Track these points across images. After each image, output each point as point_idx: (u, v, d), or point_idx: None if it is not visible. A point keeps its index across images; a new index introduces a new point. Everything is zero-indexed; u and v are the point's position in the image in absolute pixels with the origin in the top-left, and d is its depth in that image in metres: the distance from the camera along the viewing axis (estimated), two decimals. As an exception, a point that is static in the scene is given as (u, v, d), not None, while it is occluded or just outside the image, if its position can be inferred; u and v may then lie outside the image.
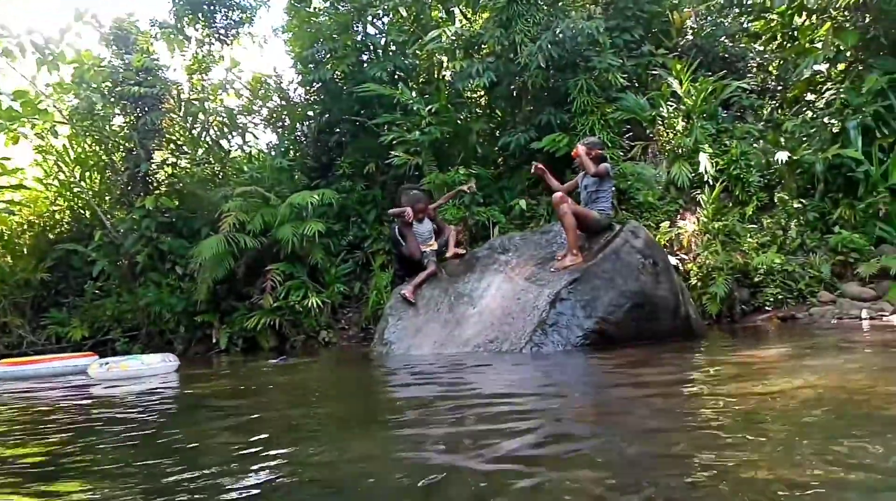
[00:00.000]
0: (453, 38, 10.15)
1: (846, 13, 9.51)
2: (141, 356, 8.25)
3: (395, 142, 9.85)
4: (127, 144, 11.61)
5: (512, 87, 10.13)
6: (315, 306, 9.31)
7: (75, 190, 12.37)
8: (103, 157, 12.07)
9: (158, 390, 5.72)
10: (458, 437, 2.71)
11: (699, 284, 7.57)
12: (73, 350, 9.85)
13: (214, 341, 10.09)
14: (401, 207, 7.62)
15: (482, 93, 11.53)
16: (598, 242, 6.49)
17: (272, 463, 2.50)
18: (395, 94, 9.85)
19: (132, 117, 11.55)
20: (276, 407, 4.18)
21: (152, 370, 6.98)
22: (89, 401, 5.36)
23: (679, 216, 8.47)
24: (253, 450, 2.70)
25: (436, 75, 11.95)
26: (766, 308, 7.36)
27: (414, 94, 10.21)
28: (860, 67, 9.21)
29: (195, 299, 10.09)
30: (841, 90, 8.94)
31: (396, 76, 10.73)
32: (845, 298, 7.07)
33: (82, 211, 12.55)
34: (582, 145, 6.56)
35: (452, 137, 10.17)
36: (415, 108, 9.76)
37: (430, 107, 9.79)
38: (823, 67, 10.11)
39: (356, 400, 4.36)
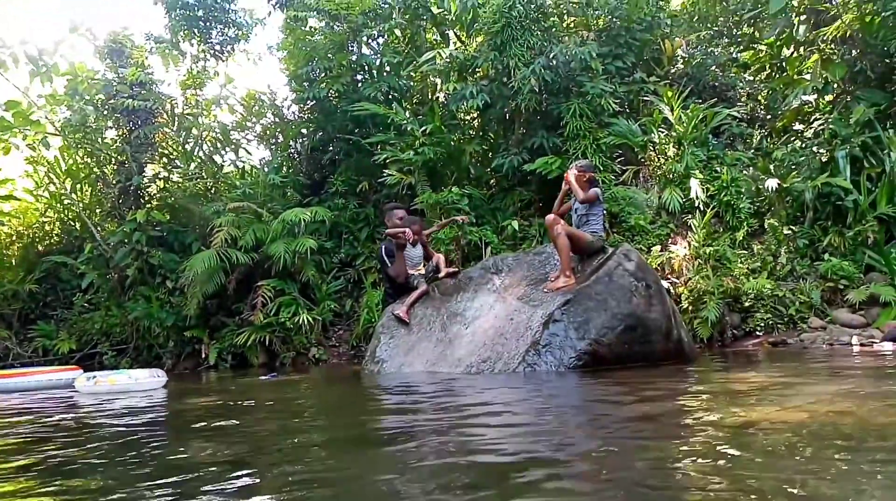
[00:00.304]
0: (448, 60, 10.26)
1: (833, 46, 9.73)
2: (129, 370, 8.18)
3: (388, 161, 9.92)
4: (119, 157, 11.58)
5: (505, 110, 10.24)
6: (306, 322, 9.28)
7: (66, 202, 12.30)
8: (95, 169, 12.02)
9: (145, 406, 5.67)
10: (447, 458, 2.70)
11: (690, 308, 7.63)
12: (61, 364, 9.73)
13: (204, 356, 10.00)
14: (386, 225, 7.65)
15: (475, 115, 11.65)
16: (590, 264, 6.54)
17: (256, 481, 2.48)
18: (389, 113, 9.93)
19: (125, 130, 11.55)
20: (265, 425, 4.15)
21: (140, 385, 6.92)
22: (72, 416, 5.29)
23: (670, 241, 8.55)
24: (239, 472, 2.65)
25: (430, 96, 12.07)
26: (757, 333, 7.43)
27: (408, 114, 10.29)
28: (848, 99, 9.40)
29: (185, 313, 10.02)
30: (829, 121, 9.11)
31: (391, 96, 10.82)
32: (835, 324, 7.16)
33: (72, 223, 12.47)
34: (573, 169, 6.63)
35: (446, 158, 10.24)
36: (409, 128, 9.83)
37: (423, 127, 9.87)
38: (812, 97, 10.31)
39: (345, 419, 4.33)
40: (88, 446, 3.63)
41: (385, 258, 7.51)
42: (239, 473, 2.61)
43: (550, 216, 6.38)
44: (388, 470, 2.55)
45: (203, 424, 4.41)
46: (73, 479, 2.70)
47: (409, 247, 7.39)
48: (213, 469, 2.75)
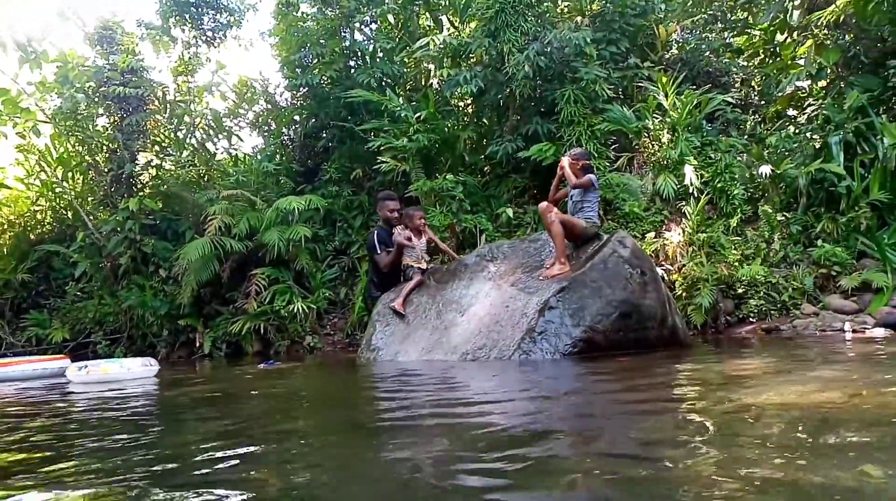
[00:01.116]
0: (441, 46, 10.20)
1: (827, 31, 9.71)
2: (120, 359, 8.17)
3: (382, 148, 9.88)
4: (111, 145, 11.52)
5: (499, 96, 10.21)
6: (300, 311, 9.28)
7: (57, 190, 12.24)
8: (86, 157, 11.95)
9: (138, 394, 5.67)
10: (443, 447, 2.70)
11: (684, 294, 7.66)
12: (54, 353, 9.72)
13: (198, 345, 10.02)
14: (378, 213, 7.60)
15: (470, 101, 11.62)
16: (585, 251, 6.55)
17: (252, 474, 2.47)
18: (383, 100, 9.88)
19: (116, 118, 11.49)
20: (260, 414, 4.15)
21: (132, 374, 6.89)
22: (63, 405, 5.29)
23: (664, 227, 8.57)
24: (232, 463, 2.65)
25: (423, 83, 12.01)
26: (751, 320, 7.47)
27: (401, 101, 10.25)
28: (841, 84, 9.40)
29: (179, 302, 10.02)
30: (823, 106, 9.11)
31: (384, 83, 10.76)
32: (828, 310, 7.20)
33: (64, 212, 12.42)
34: (568, 156, 6.65)
35: (440, 145, 10.21)
36: (402, 115, 9.79)
37: (417, 114, 9.83)
38: (805, 83, 10.33)
39: (341, 407, 4.34)
40: (81, 432, 3.64)
41: (376, 245, 7.47)
42: (234, 460, 2.62)
43: (544, 204, 6.39)
44: (389, 460, 2.55)
45: (199, 410, 4.41)
46: (64, 463, 2.70)
47: (414, 240, 7.36)
48: (208, 455, 2.75)
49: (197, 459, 2.67)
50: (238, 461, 2.62)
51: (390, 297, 7.20)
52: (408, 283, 7.18)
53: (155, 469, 2.55)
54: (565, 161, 6.53)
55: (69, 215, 12.26)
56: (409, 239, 7.23)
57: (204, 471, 2.48)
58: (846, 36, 9.50)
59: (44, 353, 9.71)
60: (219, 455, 2.72)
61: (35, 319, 11.04)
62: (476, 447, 2.56)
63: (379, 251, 7.44)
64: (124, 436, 3.41)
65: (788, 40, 10.83)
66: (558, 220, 6.25)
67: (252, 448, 2.90)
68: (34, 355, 9.47)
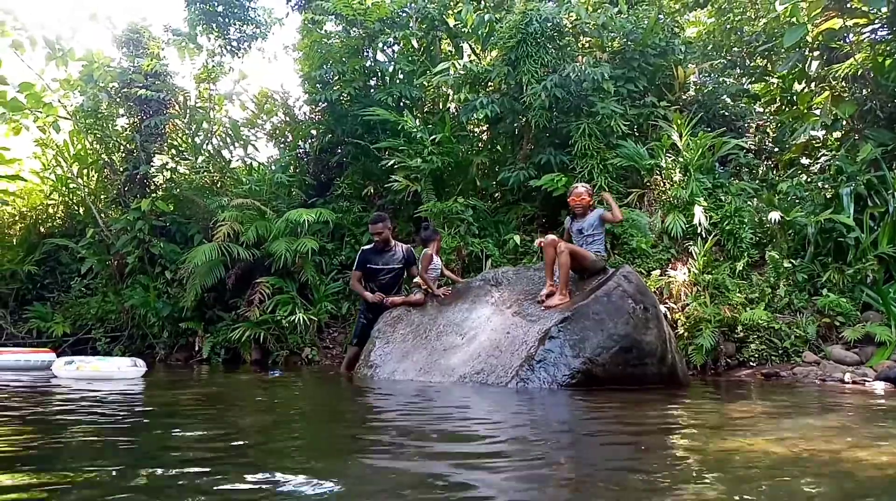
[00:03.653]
0: (461, 72, 10.32)
1: (844, 84, 9.79)
2: (108, 357, 8.16)
3: (395, 167, 9.96)
4: (128, 145, 11.66)
5: (515, 124, 10.30)
6: (302, 322, 9.29)
7: (71, 186, 12.34)
8: (103, 155, 12.08)
9: (128, 394, 5.68)
10: (430, 474, 2.68)
11: (686, 334, 7.63)
12: (54, 347, 9.73)
13: (197, 349, 10.02)
14: (379, 233, 7.61)
15: (485, 128, 11.71)
16: (589, 283, 6.57)
17: (238, 486, 2.47)
18: (400, 120, 9.98)
19: (136, 119, 11.64)
20: (250, 424, 4.15)
21: (121, 373, 6.87)
22: (46, 400, 5.30)
23: (670, 266, 8.57)
24: (218, 476, 2.64)
25: (441, 106, 12.13)
26: (751, 364, 7.43)
27: (418, 122, 10.35)
28: (856, 137, 9.44)
29: (182, 305, 10.05)
30: (836, 157, 9.14)
31: (402, 103, 10.88)
32: (829, 360, 7.16)
33: (76, 207, 12.52)
34: (581, 188, 6.77)
35: (453, 168, 10.28)
36: (418, 136, 9.87)
37: (433, 136, 9.92)
38: (820, 133, 10.38)
39: (333, 424, 4.34)
40: (65, 432, 3.65)
41: (357, 265, 7.63)
42: (217, 466, 2.62)
43: (549, 237, 6.51)
44: (364, 476, 2.56)
45: (196, 416, 4.42)
46: (49, 466, 2.71)
47: (435, 259, 7.45)
48: (193, 461, 2.76)
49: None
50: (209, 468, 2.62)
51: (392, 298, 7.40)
52: (411, 296, 7.30)
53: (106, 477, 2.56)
54: (608, 196, 6.70)
55: (81, 211, 12.36)
56: (430, 259, 7.36)
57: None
58: (863, 90, 9.57)
59: (43, 346, 9.72)
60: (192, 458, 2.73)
61: (38, 311, 11.07)
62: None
63: (355, 268, 7.63)
64: (108, 440, 3.42)
65: (806, 90, 10.91)
66: (567, 250, 6.30)
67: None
68: (25, 347, 9.44)
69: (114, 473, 2.47)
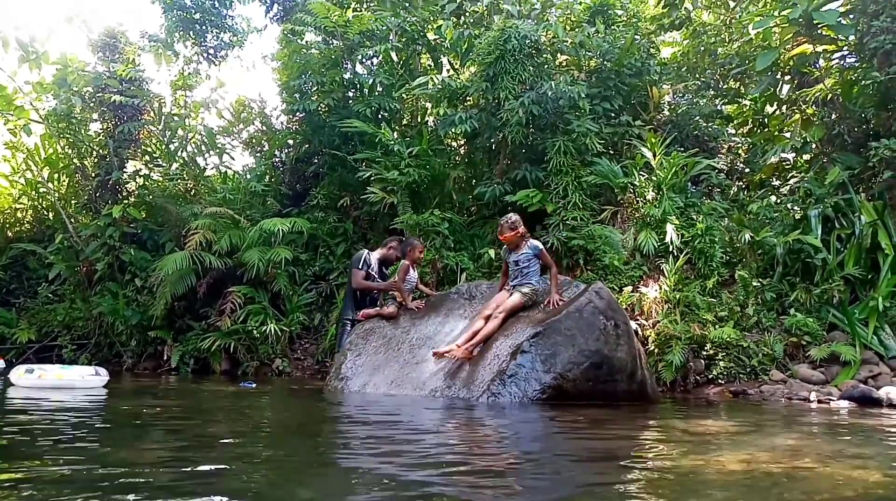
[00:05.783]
0: (440, 86, 10.36)
1: (814, 108, 10.01)
2: (68, 366, 8.00)
3: (372, 178, 9.95)
4: (101, 151, 11.53)
5: (492, 140, 10.35)
6: (273, 333, 9.21)
7: (41, 190, 12.16)
8: (75, 160, 11.93)
9: (90, 404, 5.57)
10: (397, 487, 2.67)
11: (656, 350, 7.70)
12: (18, 354, 9.53)
13: (166, 358, 9.88)
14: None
15: (463, 142, 11.76)
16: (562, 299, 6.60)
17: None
18: (377, 132, 9.98)
19: (109, 125, 11.52)
20: (218, 436, 4.10)
21: (84, 381, 6.73)
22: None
23: (642, 283, 8.65)
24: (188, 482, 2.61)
25: (419, 120, 12.16)
26: (719, 381, 7.51)
27: (395, 135, 10.36)
28: (824, 160, 9.64)
29: (151, 313, 9.91)
30: (805, 179, 9.33)
31: (380, 116, 10.89)
32: (796, 379, 7.26)
33: (46, 212, 12.33)
34: (507, 228, 6.54)
35: (429, 181, 10.29)
36: (395, 148, 9.88)
37: (410, 149, 9.93)
38: (790, 155, 10.59)
39: (302, 437, 4.30)
40: (22, 438, 3.57)
41: (360, 262, 7.55)
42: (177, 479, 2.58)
43: (503, 294, 6.53)
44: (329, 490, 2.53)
45: (164, 426, 4.35)
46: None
47: (411, 271, 7.42)
48: (154, 471, 2.72)
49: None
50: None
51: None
52: (384, 308, 7.27)
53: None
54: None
55: (50, 215, 12.17)
56: (407, 271, 7.31)
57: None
58: (832, 114, 9.78)
59: (7, 352, 9.51)
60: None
61: (2, 317, 10.85)
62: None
63: (360, 268, 7.50)
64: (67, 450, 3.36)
65: (777, 113, 11.14)
66: (503, 317, 6.28)
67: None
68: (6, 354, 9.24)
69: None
